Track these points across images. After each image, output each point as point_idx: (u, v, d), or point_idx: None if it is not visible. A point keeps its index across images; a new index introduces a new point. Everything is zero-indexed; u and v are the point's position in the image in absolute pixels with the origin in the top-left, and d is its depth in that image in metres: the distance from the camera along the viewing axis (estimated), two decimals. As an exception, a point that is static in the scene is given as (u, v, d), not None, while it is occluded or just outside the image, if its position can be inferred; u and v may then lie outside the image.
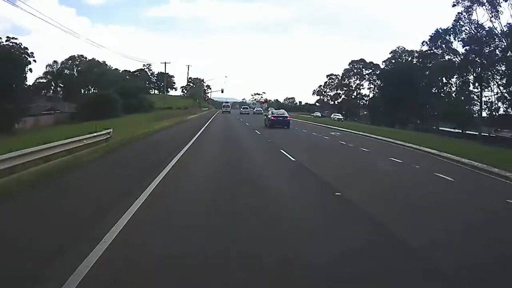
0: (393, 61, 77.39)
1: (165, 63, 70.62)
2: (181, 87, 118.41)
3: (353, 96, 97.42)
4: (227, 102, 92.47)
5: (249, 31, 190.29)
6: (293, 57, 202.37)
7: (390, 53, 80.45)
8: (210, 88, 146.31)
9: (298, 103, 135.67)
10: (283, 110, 38.13)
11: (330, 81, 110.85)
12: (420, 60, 64.91)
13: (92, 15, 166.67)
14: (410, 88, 60.13)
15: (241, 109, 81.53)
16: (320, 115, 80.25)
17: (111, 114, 47.58)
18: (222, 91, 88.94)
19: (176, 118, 41.33)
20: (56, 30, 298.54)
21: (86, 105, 53.50)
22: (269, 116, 32.40)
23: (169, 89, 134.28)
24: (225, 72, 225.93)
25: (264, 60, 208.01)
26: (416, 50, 67.16)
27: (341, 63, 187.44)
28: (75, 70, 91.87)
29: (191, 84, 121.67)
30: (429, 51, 57.71)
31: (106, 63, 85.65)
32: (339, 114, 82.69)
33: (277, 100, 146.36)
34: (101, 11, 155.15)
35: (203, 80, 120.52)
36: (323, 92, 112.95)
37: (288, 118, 30.74)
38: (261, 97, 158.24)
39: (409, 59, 72.63)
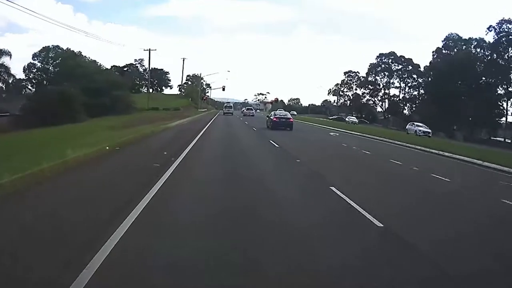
0: (445, 51, 61.50)
1: (149, 49, 55.85)
2: (178, 85, 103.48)
3: (379, 97, 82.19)
4: (229, 102, 78.06)
5: (251, 30, 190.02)
6: (296, 57, 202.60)
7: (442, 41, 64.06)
8: (210, 87, 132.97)
9: (305, 105, 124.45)
10: (286, 112, 38.20)
11: (349, 79, 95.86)
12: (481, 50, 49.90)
13: (89, 12, 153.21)
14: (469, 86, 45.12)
15: (245, 110, 70.81)
16: (356, 121, 65.36)
17: (66, 118, 32.94)
18: (224, 89, 74.29)
19: (153, 125, 26.70)
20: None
21: (36, 105, 38.78)
22: (271, 117, 30.81)
23: (163, 87, 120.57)
24: (227, 73, 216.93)
25: (267, 60, 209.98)
26: (475, 38, 52.17)
27: (345, 64, 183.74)
28: (50, 64, 77.78)
29: (189, 82, 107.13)
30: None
31: (82, 53, 71.10)
32: (353, 117, 73.35)
33: (281, 101, 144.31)
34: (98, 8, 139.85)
35: (202, 77, 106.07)
36: (340, 92, 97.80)
37: (291, 119, 29.86)
38: (265, 97, 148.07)
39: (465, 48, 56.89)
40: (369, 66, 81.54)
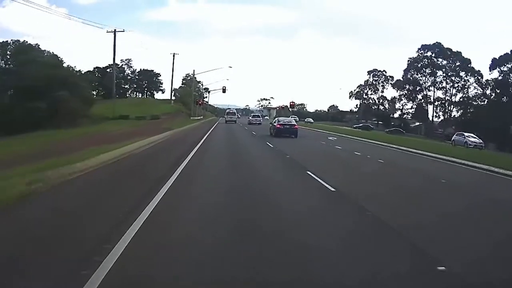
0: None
1: (114, 31, 39.41)
2: (173, 89, 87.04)
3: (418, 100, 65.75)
4: (231, 109, 61.87)
5: (252, 34, 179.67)
6: (300, 61, 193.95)
7: None
8: (209, 92, 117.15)
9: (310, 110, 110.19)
10: (290, 118, 35.51)
11: (374, 79, 79.46)
12: None
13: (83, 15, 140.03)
14: None
15: (250, 118, 56.83)
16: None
17: None
18: (224, 90, 58.01)
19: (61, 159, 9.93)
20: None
21: None
22: (275, 124, 28.00)
23: (154, 91, 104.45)
24: (227, 77, 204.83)
25: (269, 65, 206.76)
26: None
27: (350, 67, 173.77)
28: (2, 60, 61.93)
29: (185, 85, 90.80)
30: None
31: (39, 46, 55.38)
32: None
33: (286, 106, 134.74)
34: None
35: (196, 77, 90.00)
36: (364, 95, 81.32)
37: (296, 126, 27.60)
38: (269, 103, 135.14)
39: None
40: (408, 61, 65.06)
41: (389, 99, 79.98)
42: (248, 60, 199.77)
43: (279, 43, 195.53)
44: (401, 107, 70.23)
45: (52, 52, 56.13)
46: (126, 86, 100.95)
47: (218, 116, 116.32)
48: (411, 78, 64.41)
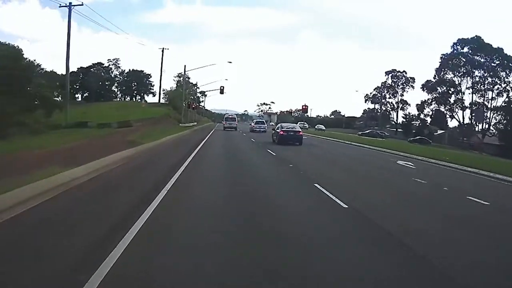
0: None
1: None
2: (164, 91, 77.14)
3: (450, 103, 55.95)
4: (229, 114, 51.85)
5: (251, 37, 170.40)
6: (300, 65, 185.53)
7: None
8: (205, 95, 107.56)
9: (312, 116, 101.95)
10: (294, 124, 32.42)
11: (393, 81, 69.79)
12: None
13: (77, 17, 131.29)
14: None
15: (253, 125, 47.90)
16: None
17: None
18: (222, 91, 47.58)
19: None
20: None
21: None
22: (277, 130, 25.87)
23: (145, 94, 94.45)
24: (225, 80, 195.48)
25: (268, 69, 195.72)
26: None
27: (355, 71, 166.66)
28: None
29: (178, 86, 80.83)
30: None
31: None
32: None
33: (287, 111, 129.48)
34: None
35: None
36: (380, 99, 71.61)
37: (300, 133, 25.52)
38: (269, 107, 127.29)
39: None
40: (441, 58, 55.12)
41: (408, 103, 70.31)
42: (246, 64, 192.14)
43: (279, 46, 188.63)
44: (430, 112, 60.33)
45: (13, 44, 46.18)
46: (113, 88, 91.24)
47: (215, 122, 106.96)
48: (444, 78, 54.47)
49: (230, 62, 44.01)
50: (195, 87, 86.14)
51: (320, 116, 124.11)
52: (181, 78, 76.20)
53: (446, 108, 56.76)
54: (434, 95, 56.45)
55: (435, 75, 55.10)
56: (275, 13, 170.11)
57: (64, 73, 38.52)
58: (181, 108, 54.18)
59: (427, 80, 56.29)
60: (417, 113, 67.39)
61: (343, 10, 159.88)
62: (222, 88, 47.38)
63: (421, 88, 57.57)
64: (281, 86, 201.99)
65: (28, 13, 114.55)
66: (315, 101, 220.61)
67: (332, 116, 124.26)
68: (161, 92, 67.47)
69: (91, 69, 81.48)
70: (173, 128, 34.65)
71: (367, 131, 63.94)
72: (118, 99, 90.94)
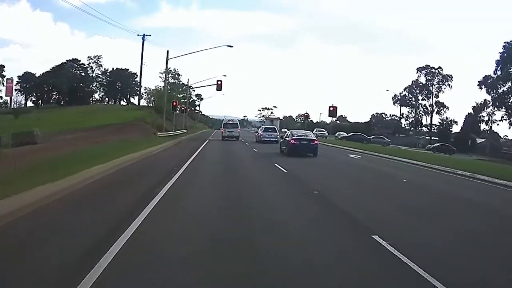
0: None
1: None
2: (148, 91, 64.49)
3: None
4: (229, 119, 38.79)
5: (250, 42, 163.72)
6: (301, 69, 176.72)
7: None
8: (202, 98, 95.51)
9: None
10: (307, 131, 27.03)
11: (427, 78, 57.55)
12: None
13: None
14: None
15: (261, 133, 35.39)
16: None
17: None
18: (219, 87, 34.48)
19: None
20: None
21: None
22: (287, 139, 21.50)
23: (130, 96, 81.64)
24: (223, 84, 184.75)
25: (268, 73, 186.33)
26: None
27: (358, 76, 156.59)
28: None
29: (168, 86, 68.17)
30: None
31: None
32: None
33: (290, 116, 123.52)
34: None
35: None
36: (408, 100, 59.31)
37: (316, 142, 21.36)
38: (271, 112, 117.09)
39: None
40: (504, 46, 42.30)
41: (446, 105, 57.95)
42: (246, 69, 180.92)
43: (278, 50, 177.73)
44: (487, 117, 47.82)
45: None
46: (95, 89, 78.55)
47: (212, 128, 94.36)
48: (509, 72, 41.82)
49: (231, 46, 31.11)
50: (187, 87, 73.92)
51: (324, 122, 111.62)
52: (170, 74, 63.84)
53: (509, 111, 44.03)
54: (493, 95, 43.79)
55: (495, 70, 42.29)
56: (274, 17, 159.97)
57: None
58: (168, 112, 41.69)
59: (485, 76, 43.48)
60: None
61: (345, 13, 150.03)
62: (219, 83, 34.84)
63: (477, 85, 44.92)
64: (282, 91, 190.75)
65: (19, 17, 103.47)
66: (318, 106, 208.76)
67: (338, 122, 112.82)
68: (143, 91, 55.04)
69: (63, 65, 68.55)
70: (142, 141, 22.03)
71: (371, 137, 50.92)
72: (99, 102, 78.36)
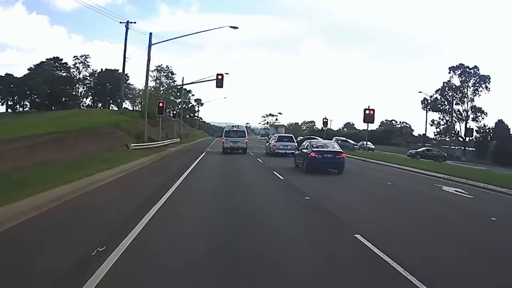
0: None
1: None
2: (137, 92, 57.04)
3: None
4: (233, 125, 29.38)
5: (252, 47, 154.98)
6: (306, 75, 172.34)
7: None
8: (202, 104, 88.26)
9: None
10: (330, 141, 23.38)
11: (462, 79, 49.74)
12: None
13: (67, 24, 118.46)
14: None
15: (275, 143, 26.70)
16: None
17: None
18: (220, 84, 26.32)
19: None
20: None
21: None
22: (305, 151, 16.90)
23: (122, 102, 73.49)
24: (224, 92, 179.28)
25: (272, 79, 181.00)
26: None
27: (364, 81, 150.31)
28: None
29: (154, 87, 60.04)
30: None
31: None
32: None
33: (296, 123, 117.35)
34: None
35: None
36: (443, 103, 51.57)
37: (342, 155, 16.76)
38: (276, 119, 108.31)
39: None
40: None
41: (484, 111, 49.83)
42: (248, 74, 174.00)
43: (282, 55, 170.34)
44: None
45: None
46: (84, 92, 70.36)
47: (214, 136, 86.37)
48: None
49: (235, 28, 23.01)
50: (181, 86, 66.06)
51: (330, 129, 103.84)
52: (162, 73, 56.06)
53: None
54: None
55: None
56: (277, 21, 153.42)
57: None
58: (155, 117, 33.59)
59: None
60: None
61: (350, 17, 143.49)
62: (220, 78, 26.28)
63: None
64: (286, 97, 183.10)
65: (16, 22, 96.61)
66: (324, 112, 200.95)
67: (345, 129, 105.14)
68: (136, 93, 46.98)
69: (44, 66, 60.26)
70: (87, 160, 13.75)
71: (356, 145, 42.11)
72: (88, 106, 70.23)
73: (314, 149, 16.33)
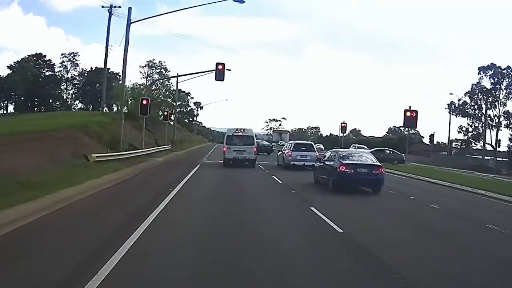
0: None
1: None
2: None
3: None
4: (238, 129, 21.43)
5: (253, 50, 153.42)
6: (310, 79, 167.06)
7: None
8: (201, 107, 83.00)
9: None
10: (364, 151, 20.24)
11: (492, 81, 43.83)
12: None
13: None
14: None
15: (291, 153, 20.43)
16: None
17: None
18: (221, 76, 20.79)
19: None
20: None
21: None
22: (332, 164, 13.37)
23: (113, 103, 67.79)
24: (225, 94, 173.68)
25: (275, 83, 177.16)
26: None
27: (369, 85, 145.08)
28: None
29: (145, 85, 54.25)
30: None
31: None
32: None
33: (300, 129, 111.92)
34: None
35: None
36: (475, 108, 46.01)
37: (381, 169, 13.25)
38: (280, 124, 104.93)
39: None
40: None
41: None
42: (251, 78, 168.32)
43: (285, 59, 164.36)
44: None
45: None
46: (71, 92, 64.54)
47: (214, 142, 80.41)
48: None
49: (242, 2, 17.26)
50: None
51: (334, 135, 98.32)
52: (154, 70, 50.45)
53: None
54: None
55: None
56: (280, 24, 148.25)
57: None
58: (153, 118, 27.86)
59: None
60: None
61: (354, 20, 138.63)
62: (220, 68, 20.22)
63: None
64: (290, 101, 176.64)
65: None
66: (330, 118, 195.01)
67: (352, 136, 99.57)
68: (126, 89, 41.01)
69: (23, 63, 54.18)
70: (26, 179, 7.99)
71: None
72: (77, 108, 64.41)
73: (344, 162, 12.76)
